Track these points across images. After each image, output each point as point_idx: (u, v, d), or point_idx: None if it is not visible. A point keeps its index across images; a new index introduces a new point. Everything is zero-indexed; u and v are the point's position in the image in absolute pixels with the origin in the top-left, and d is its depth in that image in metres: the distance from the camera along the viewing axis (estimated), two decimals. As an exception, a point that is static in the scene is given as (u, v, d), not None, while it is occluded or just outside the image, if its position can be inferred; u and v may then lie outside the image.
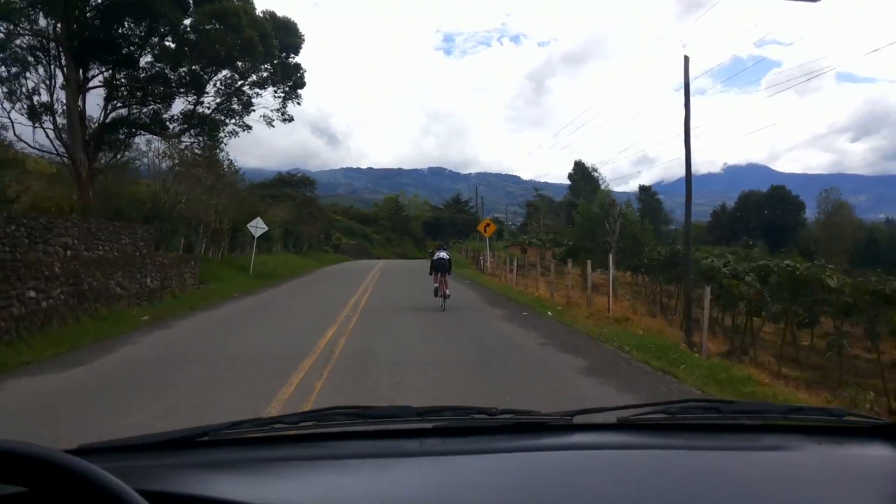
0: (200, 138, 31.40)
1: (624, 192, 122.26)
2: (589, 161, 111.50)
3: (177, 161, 24.06)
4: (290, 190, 54.00)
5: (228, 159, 31.63)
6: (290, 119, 35.26)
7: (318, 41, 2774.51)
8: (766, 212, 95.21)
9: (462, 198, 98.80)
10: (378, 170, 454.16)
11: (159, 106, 30.96)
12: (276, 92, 35.14)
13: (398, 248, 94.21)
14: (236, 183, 31.77)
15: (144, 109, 30.25)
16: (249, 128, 35.06)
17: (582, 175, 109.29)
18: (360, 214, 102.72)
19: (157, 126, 30.34)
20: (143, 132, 29.02)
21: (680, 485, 1.36)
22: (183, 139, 32.30)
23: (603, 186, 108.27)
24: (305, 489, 1.33)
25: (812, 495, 1.32)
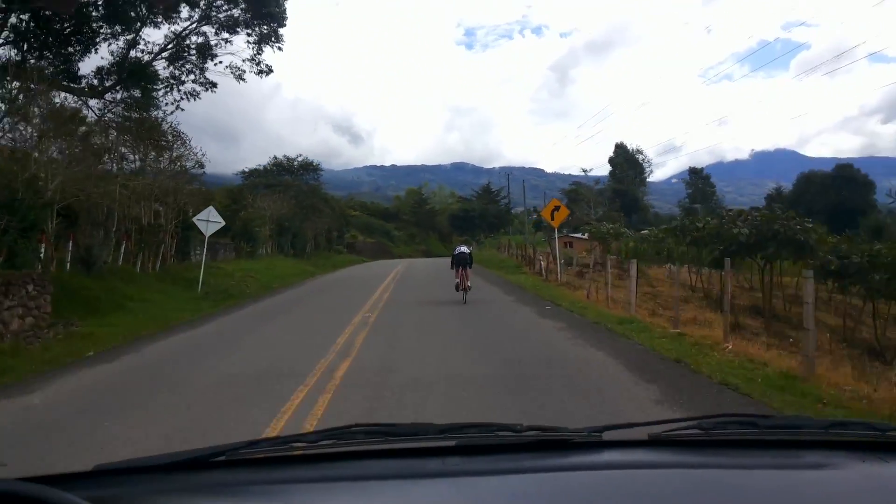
0: (129, 93, 21.93)
1: (651, 182, 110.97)
2: (631, 144, 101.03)
3: (37, 113, 14.33)
4: (290, 178, 44.18)
5: (175, 129, 22.04)
6: (268, 71, 25.63)
7: (339, 41, 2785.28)
8: (831, 193, 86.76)
9: (492, 188, 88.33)
10: (401, 167, 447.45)
11: (75, 50, 21.57)
12: (249, 36, 25.56)
13: (422, 244, 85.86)
14: (183, 161, 22.12)
15: (48, 54, 20.92)
16: (213, 85, 25.56)
17: (625, 158, 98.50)
18: (380, 209, 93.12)
19: (65, 77, 20.91)
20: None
21: None
22: (114, 100, 22.88)
23: (648, 170, 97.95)
24: None
25: None
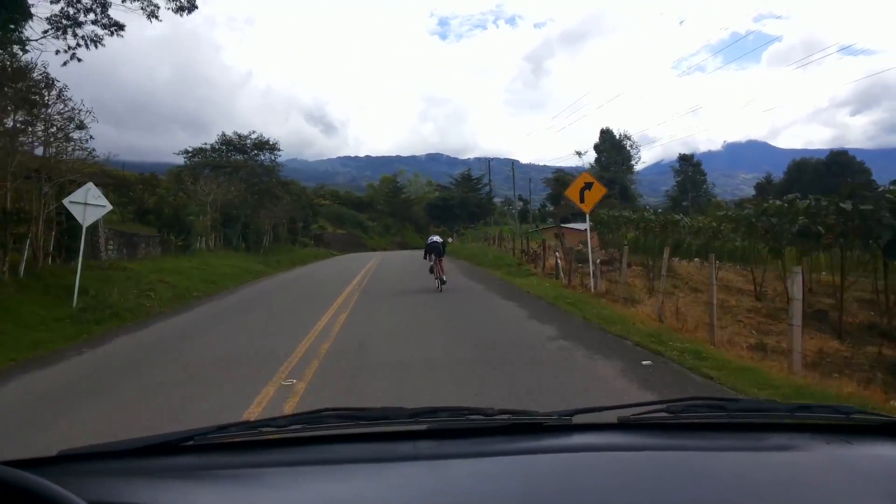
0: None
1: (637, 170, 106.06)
2: (618, 130, 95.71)
3: None
4: (242, 158, 37.44)
5: (49, 78, 15.54)
6: (189, 7, 19.30)
7: (312, 29, 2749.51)
8: (827, 181, 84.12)
9: (472, 175, 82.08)
10: (376, 157, 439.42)
11: None
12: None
13: (397, 236, 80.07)
14: (65, 122, 15.76)
15: None
16: (118, 28, 19.19)
17: (611, 145, 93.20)
18: (353, 199, 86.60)
19: None
20: None
21: (684, 487, 1.30)
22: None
23: (636, 156, 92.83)
24: (295, 496, 1.27)
25: (821, 497, 1.28)
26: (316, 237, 58.09)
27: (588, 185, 14.42)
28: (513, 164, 55.46)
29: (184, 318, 12.54)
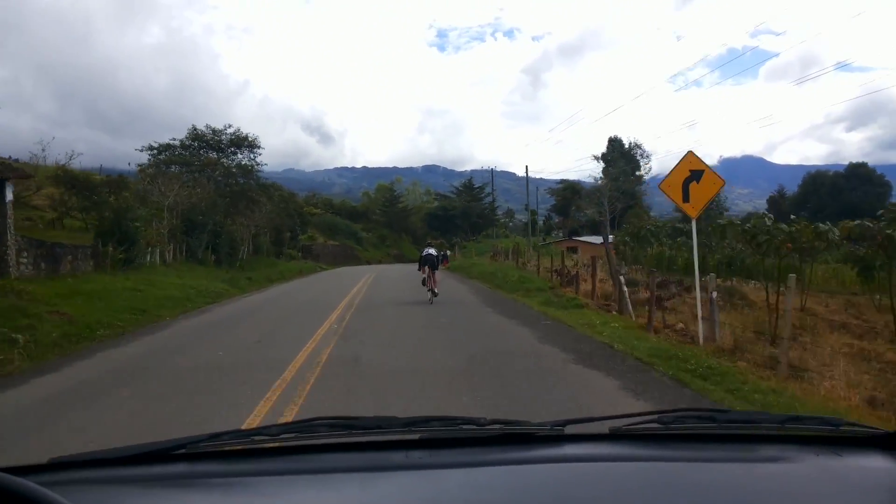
0: None
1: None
2: (628, 138, 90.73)
3: None
4: (214, 155, 32.02)
5: None
6: None
7: (311, 40, 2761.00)
8: (845, 195, 76.98)
9: (474, 184, 76.77)
10: (373, 168, 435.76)
11: None
12: None
13: (393, 248, 75.26)
14: None
15: None
16: None
17: (620, 153, 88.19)
18: (348, 208, 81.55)
19: None
20: None
21: (675, 497, 1.30)
22: None
23: (646, 164, 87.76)
24: None
25: None
26: (305, 248, 52.76)
27: (696, 175, 9.22)
28: (526, 169, 50.13)
29: (24, 394, 7.17)
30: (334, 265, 53.01)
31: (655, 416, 1.65)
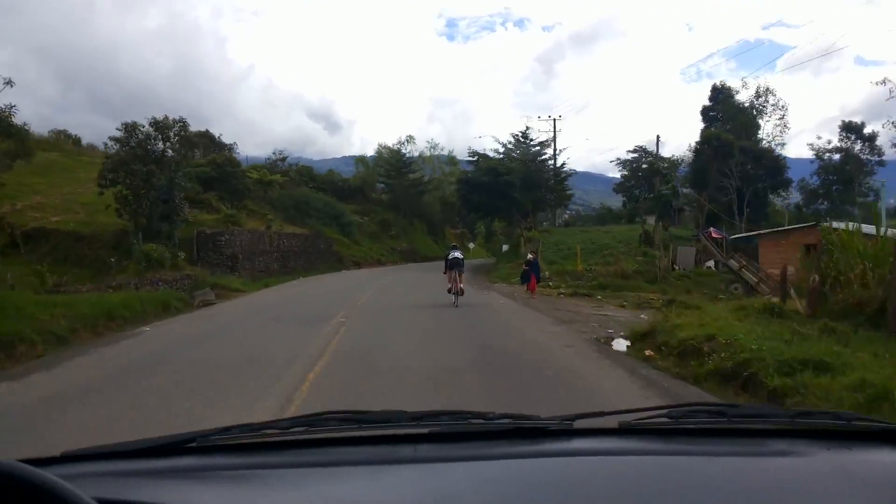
0: None
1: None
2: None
3: None
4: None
5: None
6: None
7: (318, 26, 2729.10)
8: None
9: (529, 136, 47.70)
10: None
11: None
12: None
13: (402, 240, 48.47)
14: None
15: None
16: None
17: (734, 108, 60.88)
18: (336, 182, 54.79)
19: None
20: None
21: (685, 492, 1.29)
22: None
23: (769, 122, 60.02)
24: (296, 497, 1.27)
25: (821, 502, 1.26)
26: (213, 239, 25.25)
27: None
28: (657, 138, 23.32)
29: None
30: (280, 276, 26.51)
31: (665, 411, 1.64)
